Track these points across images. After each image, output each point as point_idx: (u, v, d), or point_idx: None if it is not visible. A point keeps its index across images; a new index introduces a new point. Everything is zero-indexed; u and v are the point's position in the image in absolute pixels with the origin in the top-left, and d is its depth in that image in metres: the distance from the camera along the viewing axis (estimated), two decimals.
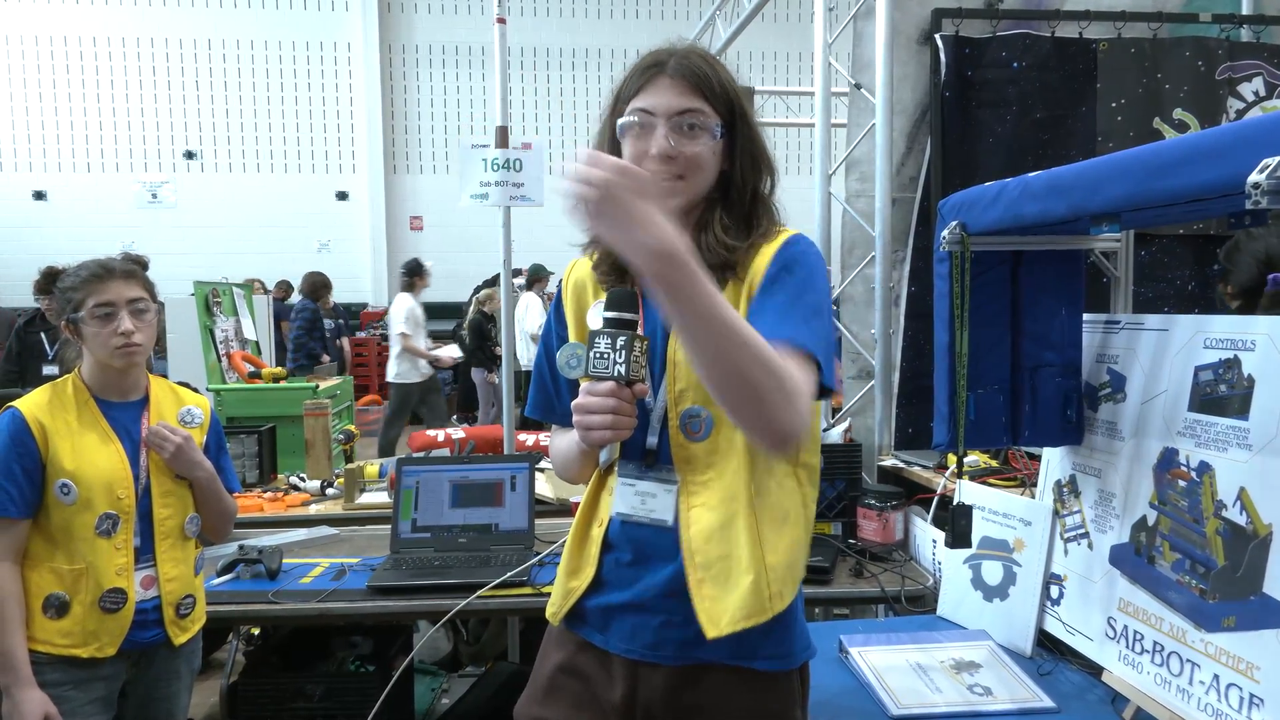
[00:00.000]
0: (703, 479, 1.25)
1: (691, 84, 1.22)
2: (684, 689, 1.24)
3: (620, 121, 1.25)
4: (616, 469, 1.29)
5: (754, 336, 1.03)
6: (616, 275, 1.29)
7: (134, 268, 1.89)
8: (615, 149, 1.26)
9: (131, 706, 1.91)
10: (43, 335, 5.23)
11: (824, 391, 1.17)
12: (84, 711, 1.80)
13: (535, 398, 1.44)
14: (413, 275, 7.47)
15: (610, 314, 1.17)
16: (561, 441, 1.38)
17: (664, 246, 0.97)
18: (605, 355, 1.15)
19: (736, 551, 1.21)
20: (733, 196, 1.27)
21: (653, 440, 1.26)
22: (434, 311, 12.34)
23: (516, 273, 10.01)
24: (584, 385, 1.18)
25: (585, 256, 1.38)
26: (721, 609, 1.20)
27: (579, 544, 1.34)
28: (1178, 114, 3.03)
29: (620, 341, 1.15)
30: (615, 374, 1.14)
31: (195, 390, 2.26)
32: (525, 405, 1.48)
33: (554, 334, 1.40)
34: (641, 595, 1.26)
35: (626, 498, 1.27)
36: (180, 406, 2.00)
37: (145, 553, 1.87)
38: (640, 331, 1.20)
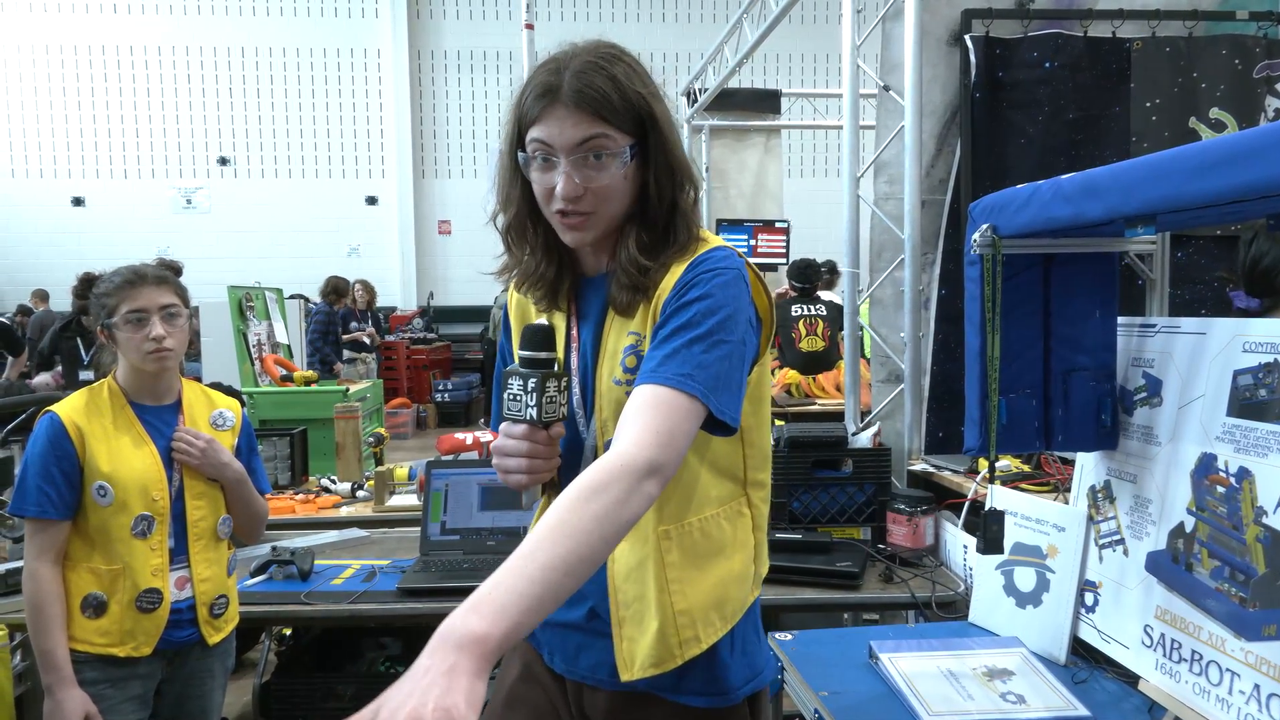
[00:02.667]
0: None
1: (591, 110, 1.09)
2: (625, 714, 1.20)
3: (520, 155, 1.14)
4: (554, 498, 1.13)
5: (575, 554, 0.87)
6: (548, 294, 1.23)
7: (166, 274, 1.93)
8: (521, 178, 1.17)
9: (167, 705, 1.94)
10: (78, 340, 5.34)
11: (719, 425, 1.08)
12: (121, 709, 1.84)
13: (496, 412, 1.33)
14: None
15: (524, 353, 1.11)
16: None
17: (474, 674, 0.78)
18: (518, 397, 1.09)
19: (647, 594, 1.16)
20: (650, 212, 1.17)
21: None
22: (461, 315, 12.50)
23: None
24: (502, 427, 1.12)
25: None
26: (636, 650, 1.16)
27: None
28: (1214, 113, 2.98)
29: (532, 383, 1.08)
30: (528, 417, 1.08)
31: (232, 391, 2.29)
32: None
33: (506, 350, 1.35)
34: (581, 619, 1.22)
35: None
36: (212, 409, 2.03)
37: (179, 553, 1.91)
38: (559, 369, 1.12)
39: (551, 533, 0.88)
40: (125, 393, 1.91)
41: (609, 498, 0.92)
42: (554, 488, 1.22)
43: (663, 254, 1.16)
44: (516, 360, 1.15)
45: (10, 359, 6.34)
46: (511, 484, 1.12)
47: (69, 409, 1.86)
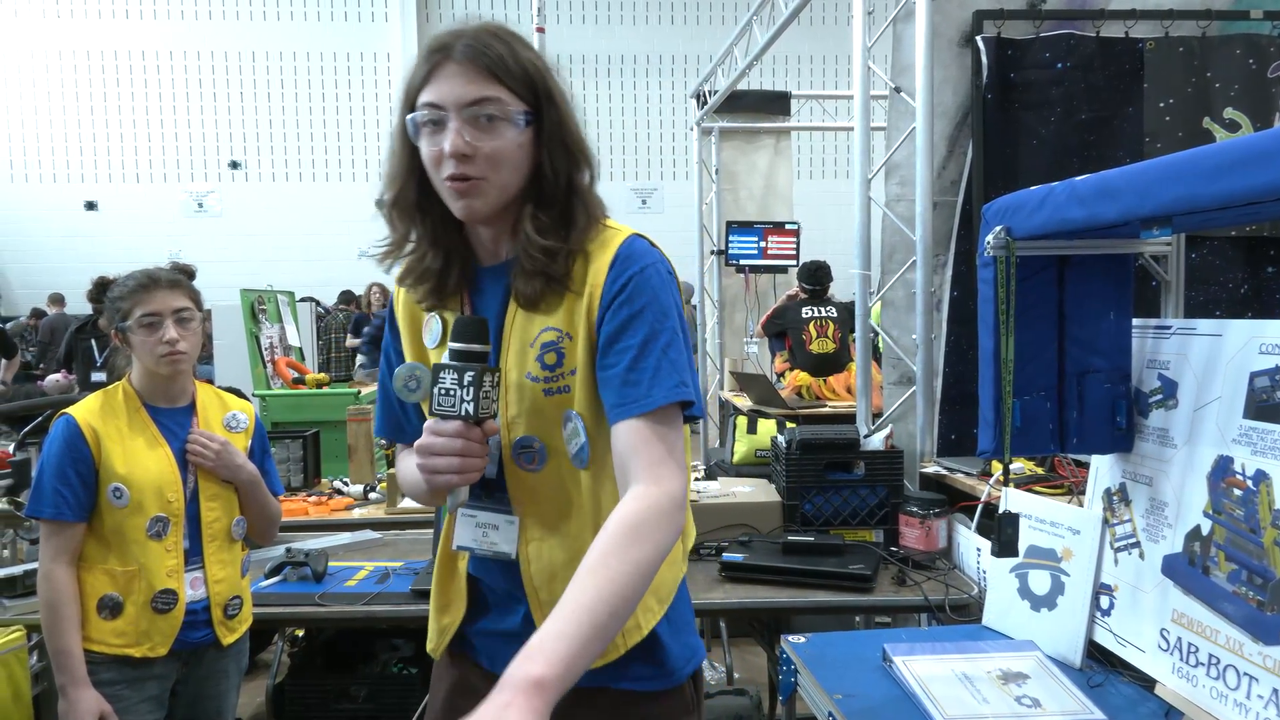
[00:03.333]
0: (541, 511, 1.16)
1: (484, 68, 1.04)
2: (573, 710, 1.11)
3: (409, 117, 1.08)
4: (455, 498, 1.14)
5: (618, 595, 0.92)
6: (434, 289, 1.17)
7: (180, 278, 1.94)
8: (411, 151, 1.11)
9: (182, 705, 1.95)
10: (93, 342, 5.37)
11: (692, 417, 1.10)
12: (137, 710, 1.85)
13: (383, 418, 1.30)
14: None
15: (457, 345, 1.07)
16: (407, 470, 1.23)
17: (548, 709, 0.83)
18: (451, 392, 1.04)
19: None
20: (546, 191, 1.11)
21: (491, 470, 1.15)
22: None
23: None
24: (428, 423, 1.07)
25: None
26: None
27: (447, 577, 1.25)
28: (1229, 113, 2.96)
29: (468, 377, 1.04)
30: (463, 413, 1.04)
31: (243, 395, 2.30)
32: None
33: (391, 354, 1.28)
34: (514, 625, 1.19)
35: (468, 529, 1.17)
36: (226, 412, 2.05)
37: (194, 555, 1.93)
38: (491, 363, 1.09)
39: (596, 577, 0.92)
40: (140, 395, 1.93)
41: (651, 544, 0.96)
42: (481, 488, 1.17)
43: (565, 237, 1.11)
44: (425, 353, 1.14)
45: (3, 362, 6.36)
46: (438, 484, 1.07)
47: (84, 411, 1.87)
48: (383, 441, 3.83)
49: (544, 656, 0.84)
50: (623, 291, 1.08)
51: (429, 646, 1.30)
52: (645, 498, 0.99)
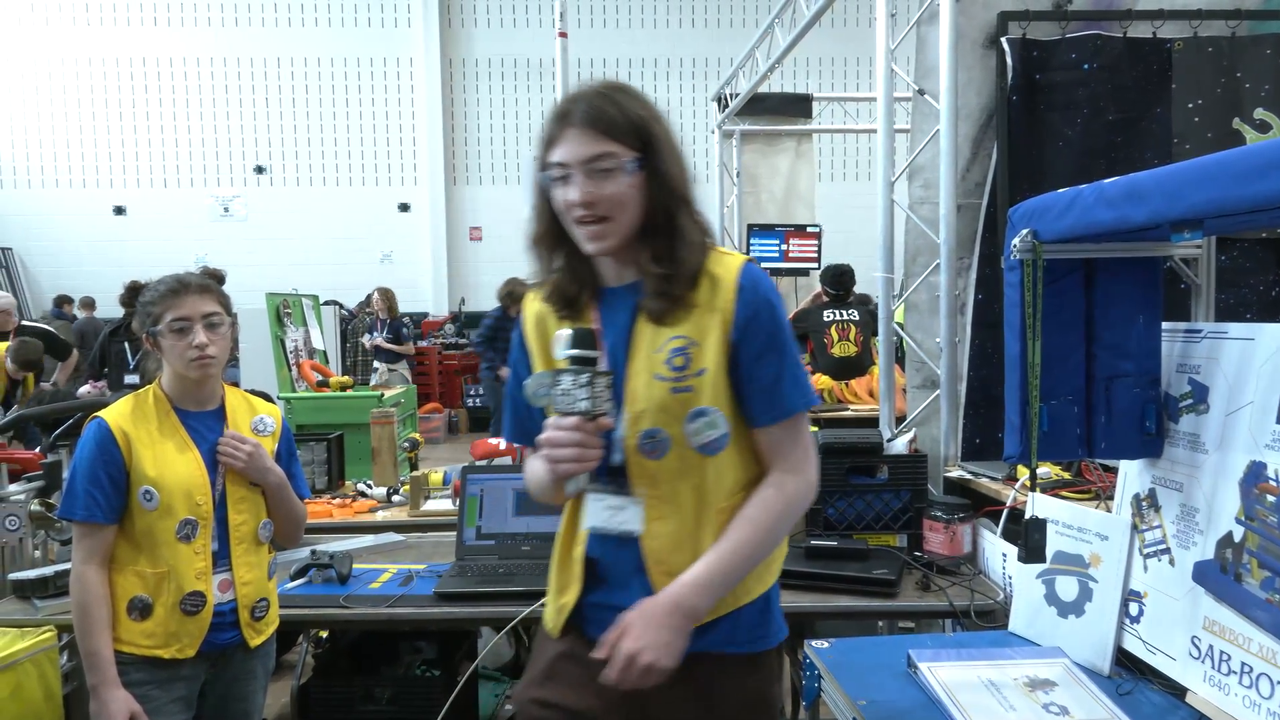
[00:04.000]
0: (661, 494, 1.33)
1: (599, 129, 1.27)
2: (680, 676, 1.30)
3: (540, 176, 1.32)
4: (586, 484, 1.32)
5: (757, 537, 1.30)
6: (568, 307, 1.38)
7: (209, 283, 1.96)
8: (547, 200, 1.33)
9: (210, 706, 1.97)
10: (126, 345, 5.44)
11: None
12: (167, 710, 1.87)
13: (511, 424, 1.49)
14: None
15: (573, 352, 1.25)
16: (534, 469, 1.41)
17: (683, 632, 1.23)
18: (569, 392, 1.21)
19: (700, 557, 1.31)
20: (659, 221, 1.31)
21: (618, 458, 1.32)
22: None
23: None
24: (550, 420, 1.25)
25: (535, 291, 1.45)
26: None
27: (563, 564, 1.42)
28: (1259, 114, 2.92)
29: (584, 379, 1.21)
30: (580, 409, 1.21)
31: (269, 399, 2.33)
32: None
33: (521, 365, 1.46)
34: (626, 599, 1.32)
35: (597, 512, 1.33)
36: (253, 415, 2.06)
37: (222, 557, 1.94)
38: (602, 366, 1.27)
39: (753, 528, 1.29)
40: (170, 399, 1.94)
41: (790, 519, 1.34)
42: (593, 476, 1.32)
43: (680, 260, 1.30)
44: (555, 363, 1.32)
45: (59, 364, 6.45)
46: (561, 472, 1.24)
47: (116, 415, 1.89)
48: (405, 444, 3.86)
49: (698, 588, 1.24)
50: (757, 316, 1.31)
51: (548, 625, 1.45)
52: (795, 483, 1.34)
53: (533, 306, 1.45)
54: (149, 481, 1.85)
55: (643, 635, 1.21)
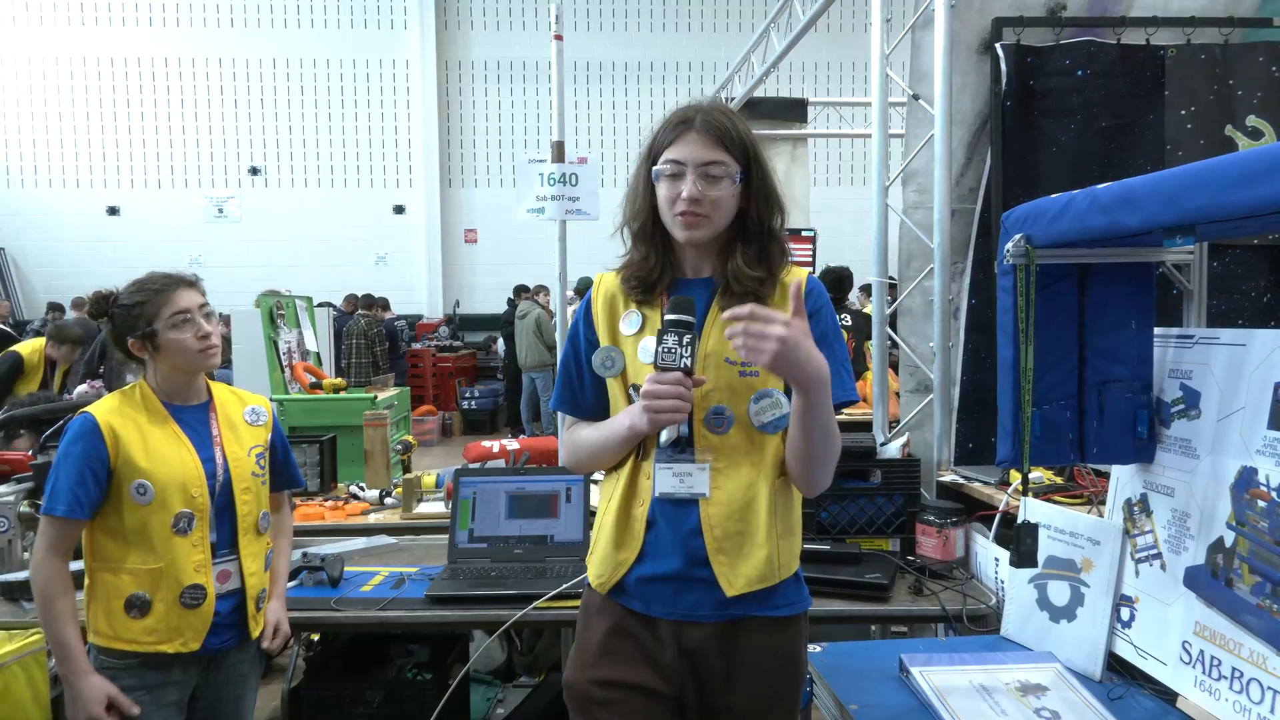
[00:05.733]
0: (719, 466, 1.46)
1: (715, 138, 1.43)
2: (724, 639, 1.47)
3: (655, 169, 1.47)
4: (654, 456, 1.47)
5: (838, 440, 1.41)
6: (645, 288, 1.52)
7: (194, 278, 1.98)
8: (650, 191, 1.49)
9: (201, 710, 1.95)
10: None
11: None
12: (160, 715, 1.85)
13: (561, 393, 1.62)
14: None
15: (675, 316, 1.37)
16: (591, 433, 1.55)
17: (823, 375, 1.31)
18: (673, 350, 1.34)
19: (751, 530, 1.46)
20: (750, 231, 1.48)
21: (685, 430, 1.45)
22: (487, 323, 12.56)
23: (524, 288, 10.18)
24: (650, 375, 1.37)
25: (613, 272, 1.58)
26: (736, 574, 1.45)
27: (623, 522, 1.51)
28: (1251, 121, 2.93)
29: (686, 339, 1.35)
30: (682, 365, 1.34)
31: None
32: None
33: (583, 338, 1.58)
34: (676, 567, 1.46)
35: (666, 479, 1.46)
36: (244, 407, 2.06)
37: (230, 547, 1.93)
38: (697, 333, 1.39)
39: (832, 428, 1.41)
40: (158, 395, 1.93)
41: (837, 452, 1.44)
42: (674, 446, 1.46)
43: (768, 269, 1.48)
44: (620, 339, 1.51)
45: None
46: (661, 421, 1.36)
47: (104, 410, 1.87)
48: (398, 447, 3.85)
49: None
50: (817, 314, 1.47)
51: (596, 581, 1.54)
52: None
53: (605, 285, 1.58)
54: (141, 475, 1.83)
55: (796, 328, 1.28)
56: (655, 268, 1.52)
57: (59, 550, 1.83)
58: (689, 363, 1.34)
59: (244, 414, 2.04)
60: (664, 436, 1.42)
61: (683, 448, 1.46)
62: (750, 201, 1.48)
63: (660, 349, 1.35)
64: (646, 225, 1.51)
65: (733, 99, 6.33)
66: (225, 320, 9.61)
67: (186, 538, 1.86)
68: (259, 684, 2.09)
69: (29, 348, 5.62)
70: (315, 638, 3.43)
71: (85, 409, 1.88)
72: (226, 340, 6.82)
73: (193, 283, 1.95)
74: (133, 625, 1.83)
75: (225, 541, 1.93)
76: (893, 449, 2.88)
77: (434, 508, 3.17)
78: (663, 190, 1.46)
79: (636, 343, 1.50)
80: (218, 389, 2.04)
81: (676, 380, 1.34)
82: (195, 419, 1.95)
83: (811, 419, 1.36)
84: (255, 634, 1.99)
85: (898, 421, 3.22)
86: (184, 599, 1.85)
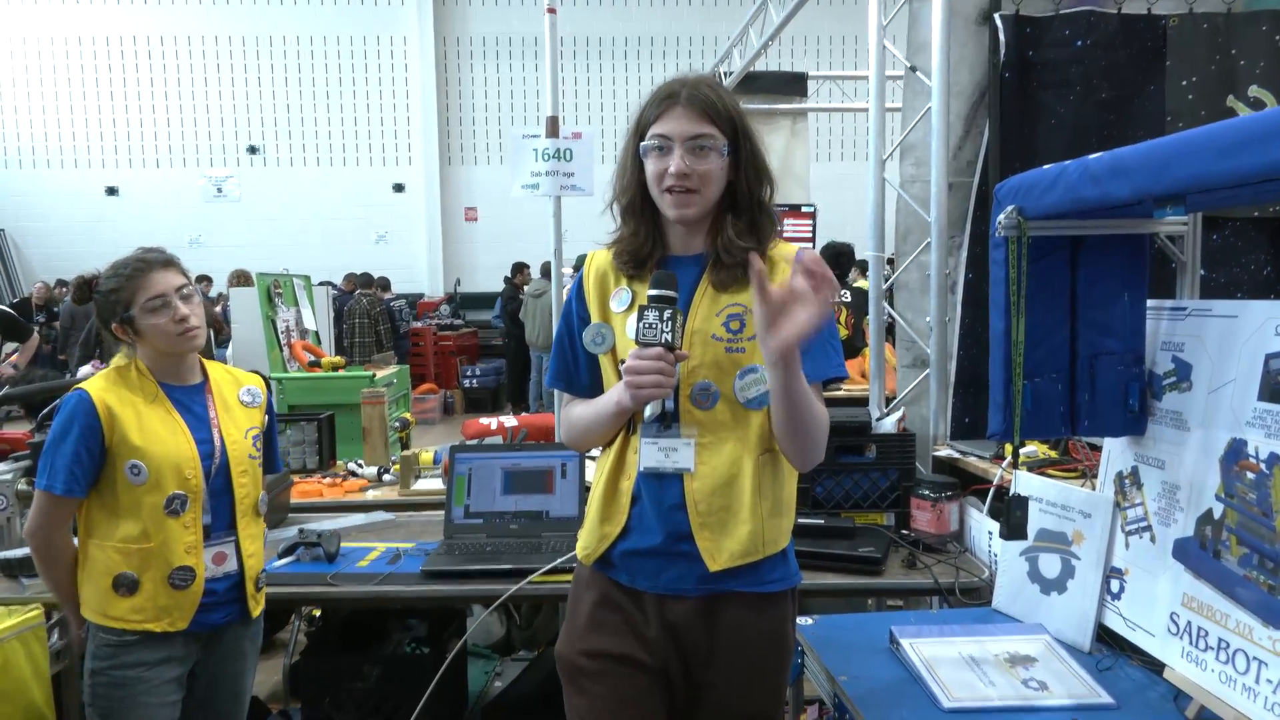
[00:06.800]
0: (705, 442, 1.46)
1: (701, 111, 1.42)
2: (706, 613, 1.48)
3: (642, 144, 1.45)
4: (639, 430, 1.48)
5: (822, 414, 1.40)
6: (636, 264, 1.51)
7: (170, 256, 1.93)
8: (638, 166, 1.48)
9: (201, 686, 1.96)
10: None
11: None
12: (159, 691, 1.86)
13: (556, 370, 1.62)
14: None
15: (657, 291, 1.36)
16: (585, 410, 1.54)
17: (797, 346, 1.28)
18: (654, 325, 1.34)
19: (735, 505, 1.46)
20: (740, 203, 1.48)
21: (670, 405, 1.46)
22: (488, 302, 12.56)
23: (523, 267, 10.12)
24: (633, 350, 1.36)
25: (605, 248, 1.57)
26: (719, 549, 1.45)
27: (609, 496, 1.52)
28: (1253, 91, 2.90)
29: (667, 314, 1.34)
30: (662, 341, 1.33)
31: (264, 379, 2.31)
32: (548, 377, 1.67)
33: (575, 315, 1.58)
34: (659, 541, 1.46)
35: (651, 454, 1.47)
36: (239, 387, 2.05)
37: (217, 530, 1.92)
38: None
39: (815, 404, 1.40)
40: (153, 374, 1.91)
41: (823, 429, 1.43)
42: (660, 421, 1.47)
43: (758, 241, 1.46)
44: (611, 315, 1.50)
45: (18, 346, 6.20)
46: (642, 397, 1.36)
47: (98, 388, 1.85)
48: (396, 424, 3.86)
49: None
50: None
51: (582, 553, 1.56)
52: (825, 414, 1.44)
53: (597, 262, 1.57)
54: (136, 454, 1.82)
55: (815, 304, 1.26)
56: (645, 243, 1.51)
57: (55, 525, 1.84)
58: (669, 338, 1.33)
59: (239, 394, 2.03)
60: (648, 412, 1.42)
61: (668, 423, 1.46)
62: (739, 174, 1.46)
63: (641, 325, 1.35)
64: (635, 201, 1.51)
65: (730, 73, 6.27)
66: (217, 300, 9.56)
67: (179, 519, 1.85)
68: (258, 659, 2.10)
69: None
70: (316, 614, 3.46)
71: (80, 385, 1.87)
72: (225, 319, 6.81)
73: (169, 262, 1.90)
74: (120, 603, 1.83)
75: (223, 523, 1.93)
76: (888, 424, 2.88)
77: (432, 484, 3.18)
78: (650, 166, 1.45)
79: (626, 319, 1.49)
80: (213, 369, 2.03)
81: (657, 356, 1.33)
82: (191, 400, 1.94)
83: (799, 396, 1.35)
84: (256, 613, 1.99)
85: (895, 397, 3.22)
86: (173, 580, 1.84)
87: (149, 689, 1.84)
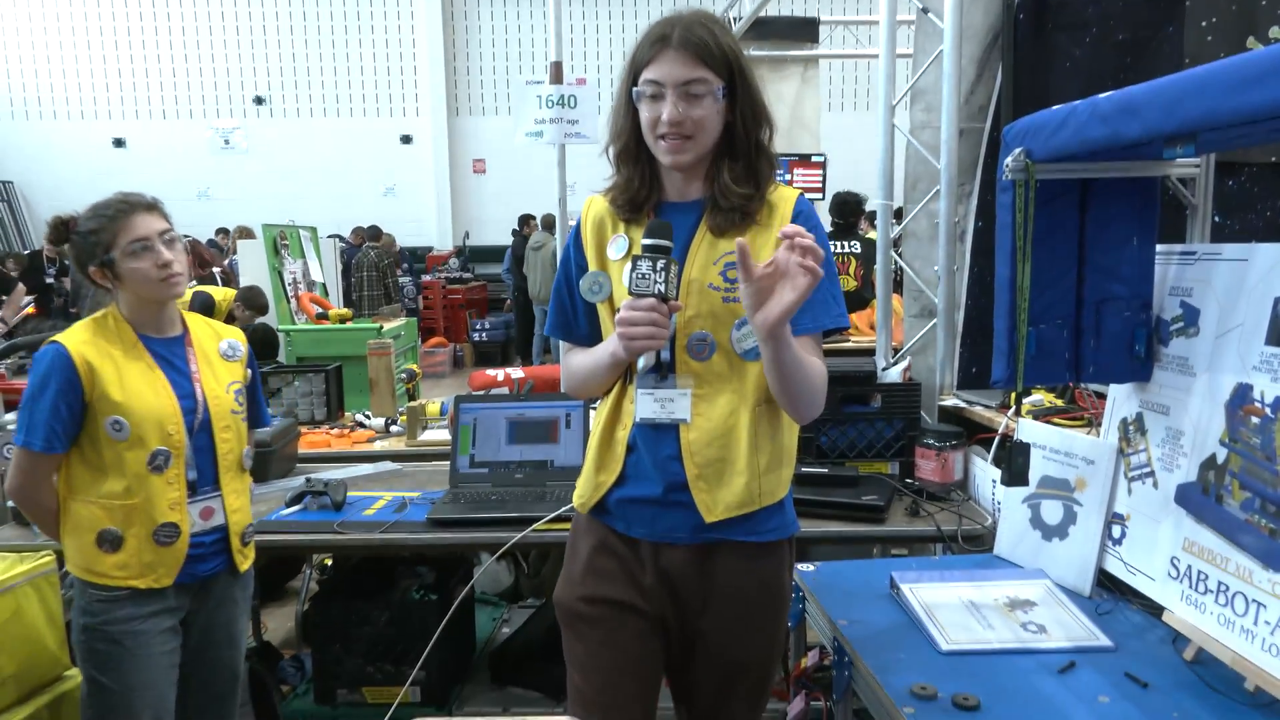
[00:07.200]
0: (701, 393, 1.45)
1: (695, 54, 1.37)
2: (701, 562, 1.47)
3: (635, 90, 1.41)
4: (636, 381, 1.46)
5: (817, 371, 1.39)
6: (633, 210, 1.48)
7: (154, 200, 1.86)
8: (632, 111, 1.43)
9: (195, 634, 1.94)
10: None
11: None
12: (156, 641, 1.85)
13: (555, 319, 1.60)
14: None
15: (650, 241, 1.34)
16: (583, 359, 1.52)
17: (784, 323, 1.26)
18: (647, 276, 1.31)
19: (731, 456, 1.44)
20: (738, 147, 1.43)
21: (666, 355, 1.44)
22: (497, 255, 12.51)
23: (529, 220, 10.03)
24: (626, 301, 1.34)
25: (601, 194, 1.53)
26: (715, 500, 1.44)
27: (605, 445, 1.52)
28: (1275, 32, 2.81)
29: (660, 264, 1.32)
30: (655, 291, 1.31)
31: (271, 331, 2.28)
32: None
33: (573, 263, 1.56)
34: (655, 490, 1.46)
35: (648, 405, 1.45)
36: (220, 340, 2.00)
37: (204, 485, 1.89)
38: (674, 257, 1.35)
39: (807, 362, 1.36)
40: (131, 325, 1.84)
41: (821, 383, 1.41)
42: (656, 372, 1.45)
43: (756, 185, 1.43)
44: (632, 251, 1.44)
45: (3, 299, 6.07)
46: (635, 349, 1.34)
47: (76, 340, 1.79)
48: (403, 375, 3.87)
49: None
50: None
51: (578, 501, 1.56)
52: (821, 367, 1.43)
53: (594, 209, 1.54)
54: (117, 410, 1.77)
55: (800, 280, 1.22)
56: (641, 189, 1.48)
57: (36, 482, 1.81)
58: (663, 288, 1.31)
59: (220, 348, 1.98)
60: (641, 363, 1.40)
61: (664, 374, 1.45)
62: (736, 116, 1.42)
63: (634, 275, 1.32)
64: (630, 146, 1.47)
65: (740, 18, 6.14)
66: (225, 254, 9.49)
67: (162, 475, 1.81)
68: (250, 606, 2.08)
69: (221, 295, 5.31)
70: (329, 562, 3.52)
71: (55, 338, 1.80)
72: (232, 270, 6.78)
73: (152, 206, 1.84)
74: (104, 559, 1.79)
75: (208, 479, 1.89)
76: (894, 374, 2.87)
77: (439, 435, 3.19)
78: (644, 111, 1.41)
79: (623, 267, 1.46)
80: (192, 320, 1.98)
81: (650, 306, 1.31)
82: (170, 352, 1.88)
83: (789, 367, 1.32)
84: (244, 568, 1.97)
85: (901, 347, 3.20)
86: (157, 536, 1.81)
87: (146, 640, 1.82)
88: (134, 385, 1.80)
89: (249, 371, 2.04)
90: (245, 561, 1.98)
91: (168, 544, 1.82)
